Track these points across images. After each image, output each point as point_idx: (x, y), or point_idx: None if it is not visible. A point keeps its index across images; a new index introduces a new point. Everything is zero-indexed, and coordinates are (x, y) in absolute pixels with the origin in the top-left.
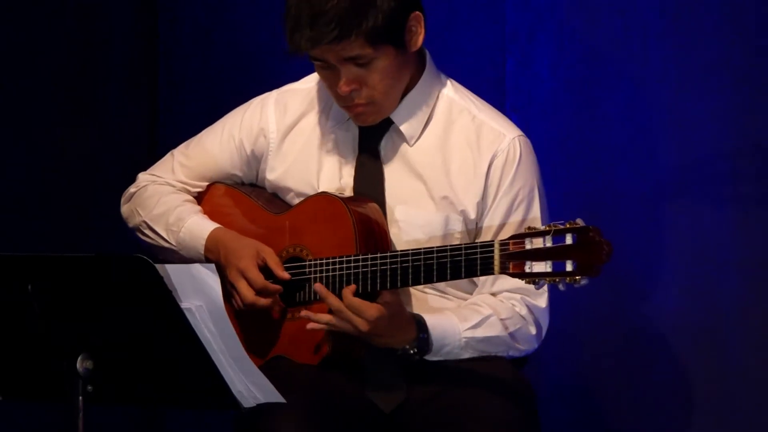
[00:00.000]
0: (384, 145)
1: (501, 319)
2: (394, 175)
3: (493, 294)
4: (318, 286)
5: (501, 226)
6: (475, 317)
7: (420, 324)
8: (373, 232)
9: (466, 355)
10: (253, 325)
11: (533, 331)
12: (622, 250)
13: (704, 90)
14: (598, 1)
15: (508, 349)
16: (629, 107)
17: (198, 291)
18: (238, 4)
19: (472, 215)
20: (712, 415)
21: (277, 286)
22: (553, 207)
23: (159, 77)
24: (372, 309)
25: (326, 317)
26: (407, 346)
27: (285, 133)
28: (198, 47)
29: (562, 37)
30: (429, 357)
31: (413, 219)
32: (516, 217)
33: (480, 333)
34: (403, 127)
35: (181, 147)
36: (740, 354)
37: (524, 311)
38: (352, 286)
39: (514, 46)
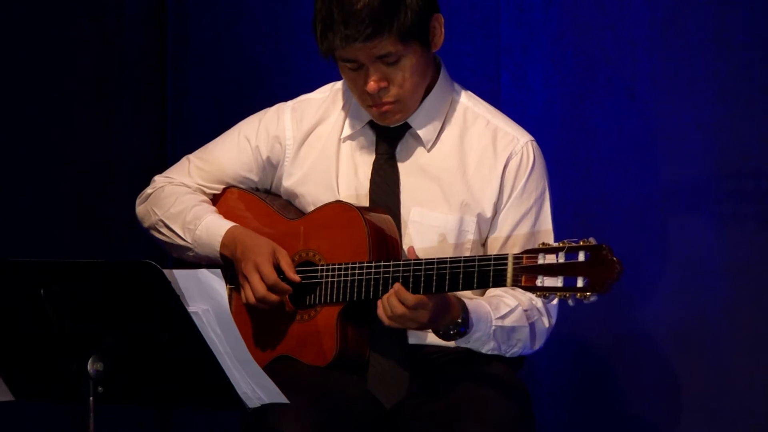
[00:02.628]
0: (400, 150)
1: (524, 310)
2: (410, 178)
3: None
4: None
5: (514, 227)
6: (504, 308)
7: (461, 304)
8: (385, 242)
9: (490, 346)
10: (263, 325)
11: (546, 324)
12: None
13: (691, 102)
14: (589, 17)
15: (525, 342)
16: (619, 119)
17: (204, 295)
18: (243, 20)
19: (488, 214)
20: (699, 415)
21: (288, 286)
22: None
23: (168, 89)
24: (430, 300)
25: (385, 319)
26: (450, 326)
27: (302, 141)
28: (205, 60)
29: (554, 51)
30: (460, 341)
31: (428, 220)
32: (528, 219)
33: (508, 323)
34: (420, 132)
35: (197, 152)
36: (726, 356)
37: (539, 304)
38: (398, 285)
39: (509, 60)
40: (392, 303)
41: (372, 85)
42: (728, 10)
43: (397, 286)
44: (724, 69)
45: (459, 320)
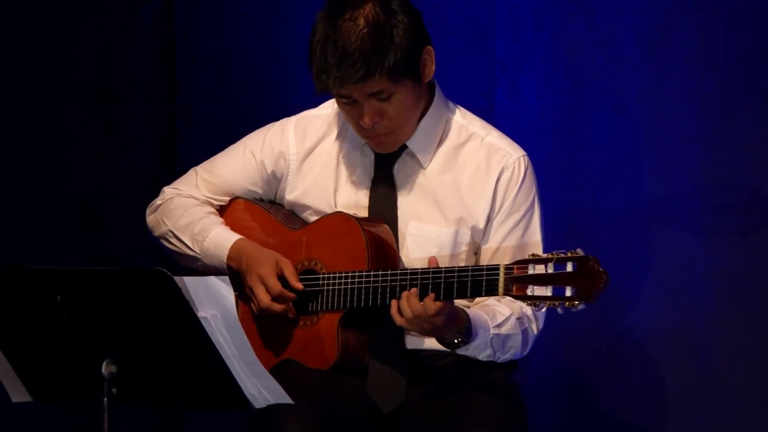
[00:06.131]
0: (398, 169)
1: (517, 318)
2: (407, 196)
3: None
4: (405, 293)
5: (504, 238)
6: (499, 317)
7: (465, 314)
8: (384, 251)
9: (486, 353)
10: (268, 331)
11: (535, 330)
12: (602, 264)
13: (678, 117)
14: (580, 34)
15: (517, 348)
16: (609, 133)
17: (213, 301)
18: (249, 34)
19: (481, 226)
20: (686, 415)
21: (292, 294)
22: None
23: (177, 101)
24: (444, 307)
25: (402, 321)
26: (456, 335)
27: (304, 156)
28: (212, 73)
29: (547, 68)
30: (461, 350)
31: (425, 233)
32: (518, 230)
33: (503, 331)
34: (416, 151)
35: (204, 164)
36: (711, 359)
37: (529, 312)
38: (432, 294)
39: (503, 76)
40: (413, 305)
41: (366, 121)
42: (712, 30)
43: (431, 296)
44: (708, 85)
45: (465, 327)
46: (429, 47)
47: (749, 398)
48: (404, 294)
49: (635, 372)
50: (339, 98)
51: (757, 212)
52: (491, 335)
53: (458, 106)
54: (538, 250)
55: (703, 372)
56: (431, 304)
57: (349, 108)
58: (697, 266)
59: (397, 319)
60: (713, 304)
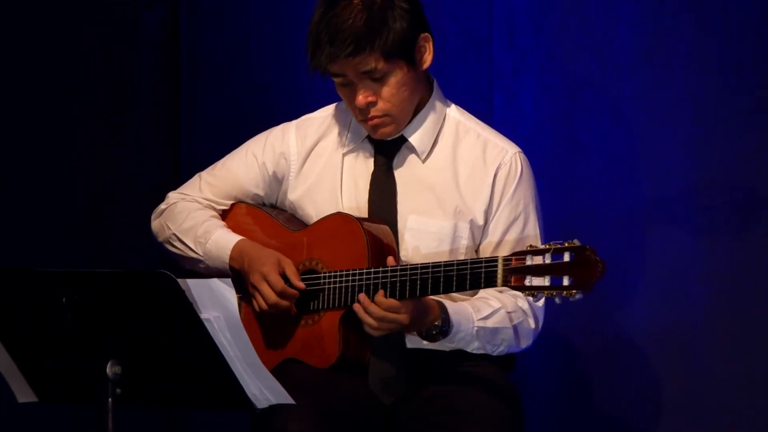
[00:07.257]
0: (397, 161)
1: (508, 312)
2: (406, 188)
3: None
4: (361, 296)
5: (504, 233)
6: (486, 309)
7: (441, 306)
8: (383, 251)
9: (475, 345)
10: (270, 330)
11: (532, 324)
12: None
13: (672, 122)
14: (576, 41)
15: (510, 342)
16: (604, 138)
17: (216, 303)
18: (252, 38)
19: (480, 221)
20: (683, 414)
21: (295, 291)
22: None
23: (181, 108)
24: (407, 303)
25: (373, 323)
26: (432, 327)
27: (305, 156)
28: (215, 76)
29: (544, 74)
30: (444, 342)
31: (425, 227)
32: (517, 225)
33: (490, 324)
34: (415, 144)
35: (208, 169)
36: (705, 358)
37: (525, 306)
38: (381, 291)
39: (501, 82)
40: (371, 310)
41: (360, 99)
42: (706, 36)
43: (362, 295)
44: (703, 91)
45: (438, 321)
46: (426, 34)
47: (747, 398)
48: (356, 308)
49: (633, 372)
50: (335, 78)
51: (751, 214)
52: (476, 327)
53: (454, 104)
54: (537, 244)
55: (700, 372)
56: (383, 300)
57: (346, 90)
58: (693, 267)
59: (372, 331)
60: (709, 304)
